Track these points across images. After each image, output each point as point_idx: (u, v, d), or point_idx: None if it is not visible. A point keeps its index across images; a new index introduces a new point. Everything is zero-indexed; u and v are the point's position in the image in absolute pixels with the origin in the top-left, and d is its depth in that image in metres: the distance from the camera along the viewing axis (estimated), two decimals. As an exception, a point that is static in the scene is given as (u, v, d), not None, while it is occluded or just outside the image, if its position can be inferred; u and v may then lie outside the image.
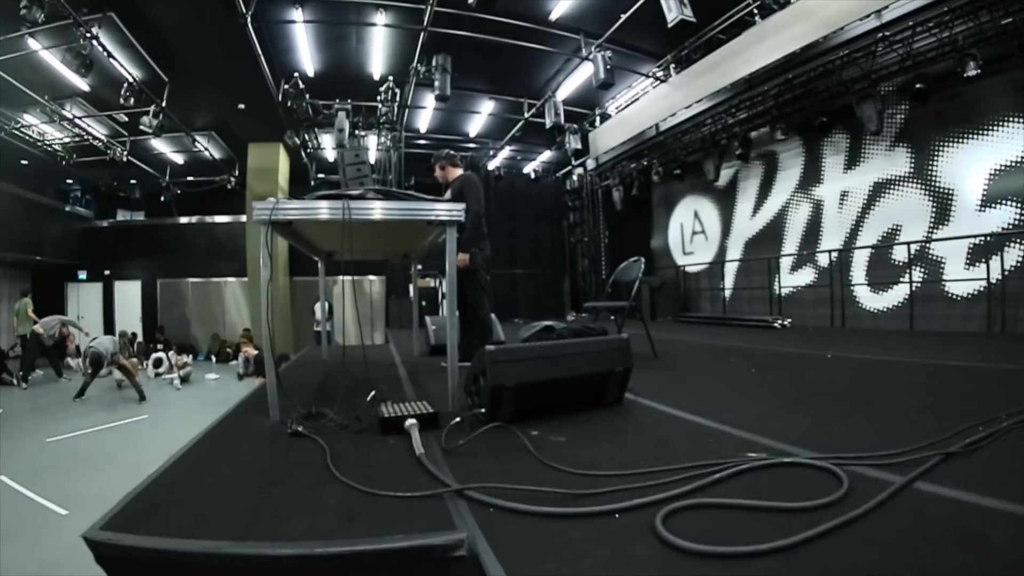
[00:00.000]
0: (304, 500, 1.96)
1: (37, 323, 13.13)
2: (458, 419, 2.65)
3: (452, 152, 5.37)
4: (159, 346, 15.31)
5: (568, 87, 12.04)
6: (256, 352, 12.94)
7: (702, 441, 2.48)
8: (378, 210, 3.13)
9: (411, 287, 7.76)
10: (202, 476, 2.33)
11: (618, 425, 2.86)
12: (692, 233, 14.00)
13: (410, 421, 2.60)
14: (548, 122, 11.85)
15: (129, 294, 18.89)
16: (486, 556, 1.46)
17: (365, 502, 1.89)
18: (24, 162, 15.21)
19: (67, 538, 4.90)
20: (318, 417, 3.00)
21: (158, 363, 14.13)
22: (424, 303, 6.08)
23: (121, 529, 1.73)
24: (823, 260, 10.45)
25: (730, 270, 12.70)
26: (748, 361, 5.33)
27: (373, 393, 3.07)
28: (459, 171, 5.23)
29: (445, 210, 3.20)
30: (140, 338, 17.42)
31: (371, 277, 17.14)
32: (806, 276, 10.89)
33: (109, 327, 17.38)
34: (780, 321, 9.30)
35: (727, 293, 12.68)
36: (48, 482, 6.36)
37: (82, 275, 19.03)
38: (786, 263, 11.25)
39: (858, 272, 9.87)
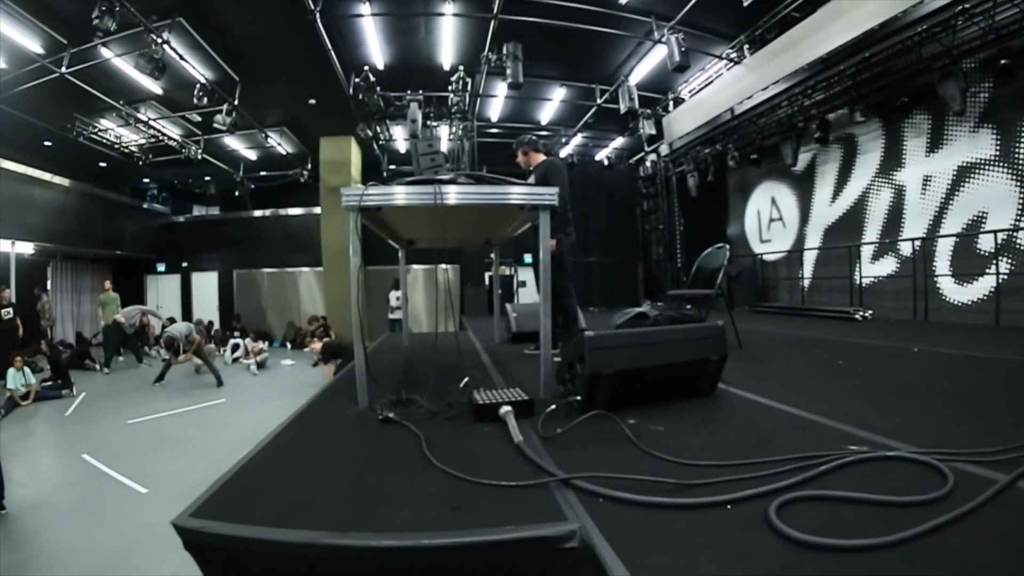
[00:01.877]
0: (403, 489, 1.89)
1: (119, 313, 13.67)
2: (553, 407, 2.56)
3: (535, 137, 5.23)
4: (236, 333, 15.69)
5: (640, 71, 11.77)
6: (321, 343, 13.16)
7: (800, 433, 2.38)
8: (471, 194, 3.06)
9: (492, 274, 7.69)
10: (293, 463, 2.30)
11: (715, 415, 2.76)
12: (769, 220, 13.47)
13: (505, 408, 2.53)
14: (622, 107, 11.57)
15: (206, 285, 19.56)
16: (602, 548, 1.39)
17: (467, 491, 1.82)
18: (102, 164, 16.09)
19: (147, 515, 5.10)
20: (408, 404, 2.94)
21: (235, 349, 14.56)
22: (500, 291, 6.03)
23: (212, 516, 1.69)
24: (905, 249, 9.89)
25: (809, 259, 12.17)
26: (831, 353, 5.14)
27: (467, 380, 3.01)
28: (542, 156, 5.11)
29: (538, 194, 3.12)
30: (217, 326, 17.90)
31: (443, 265, 17.06)
32: (887, 266, 10.33)
33: (187, 316, 17.98)
34: (861, 313, 8.88)
35: (806, 283, 12.18)
36: (129, 462, 6.55)
37: (160, 267, 19.93)
38: (867, 252, 10.70)
39: (942, 262, 9.29)
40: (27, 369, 10.04)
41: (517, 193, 3.11)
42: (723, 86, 11.87)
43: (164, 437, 7.80)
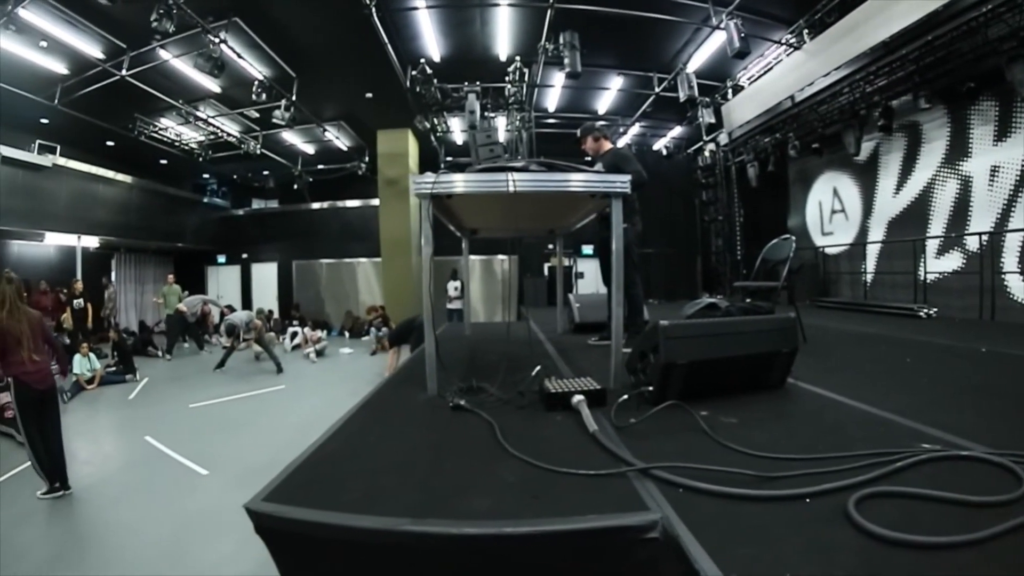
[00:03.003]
0: (481, 476, 1.88)
1: (182, 302, 14.13)
2: (625, 396, 2.54)
3: (604, 124, 5.14)
4: (295, 322, 15.94)
5: (698, 59, 11.51)
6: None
7: (871, 429, 2.32)
8: (543, 181, 3.01)
9: (556, 265, 7.63)
10: (365, 449, 2.29)
11: (785, 409, 2.71)
12: (831, 212, 13.04)
13: (578, 397, 2.49)
14: (681, 95, 11.35)
15: (266, 275, 20.03)
16: (686, 539, 1.37)
17: (545, 480, 1.80)
18: (163, 161, 16.80)
19: (207, 496, 5.18)
20: (477, 392, 2.94)
21: (294, 337, 14.79)
22: (563, 281, 6.06)
23: (284, 501, 1.69)
24: (972, 244, 9.40)
25: (872, 252, 11.76)
26: (896, 350, 5.00)
27: (539, 368, 2.98)
28: (609, 145, 5.04)
29: (611, 181, 3.04)
30: (276, 315, 18.30)
31: (501, 256, 17.19)
32: (953, 261, 9.85)
33: (247, 305, 18.39)
34: (925, 310, 8.51)
35: (868, 277, 11.76)
36: (190, 444, 6.68)
37: (221, 259, 20.54)
38: (931, 246, 10.23)
39: (1010, 259, 8.81)
40: (92, 355, 10.42)
41: (591, 180, 3.06)
42: (783, 73, 11.55)
43: (225, 421, 7.94)
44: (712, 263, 16.28)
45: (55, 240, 14.78)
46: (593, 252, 15.24)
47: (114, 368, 11.05)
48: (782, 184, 14.36)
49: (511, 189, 2.85)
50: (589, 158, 5.15)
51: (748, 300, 5.38)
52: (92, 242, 15.74)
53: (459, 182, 2.97)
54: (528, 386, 2.86)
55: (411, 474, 1.93)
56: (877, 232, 11.52)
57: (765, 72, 12.24)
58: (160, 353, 13.82)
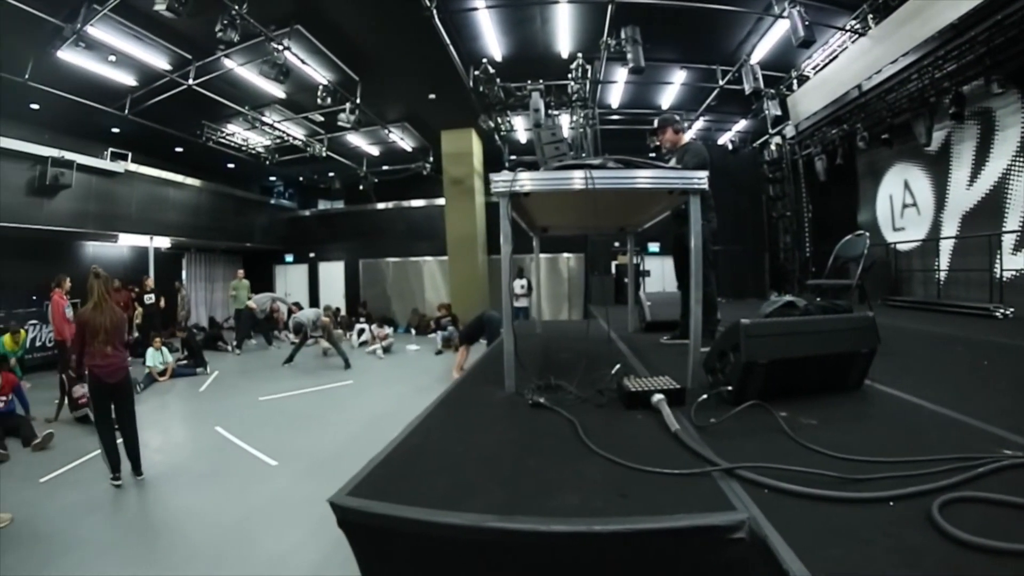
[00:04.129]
0: (566, 474, 1.88)
1: (251, 299, 14.61)
2: (705, 396, 2.51)
3: (679, 116, 5.05)
4: (362, 319, 16.22)
5: (762, 49, 11.20)
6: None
7: (951, 433, 2.26)
8: (623, 178, 3.00)
9: (627, 263, 7.54)
10: (447, 445, 2.31)
11: (864, 410, 2.64)
12: (902, 206, 12.42)
13: (658, 396, 2.48)
14: (747, 88, 11.10)
15: (333, 273, 20.43)
16: (775, 539, 1.36)
17: (630, 478, 1.81)
18: (231, 165, 17.41)
19: (275, 486, 5.29)
20: (555, 389, 2.92)
21: (360, 334, 15.05)
22: (626, 279, 5.96)
23: (368, 496, 1.70)
24: (1051, 238, 8.90)
25: (945, 248, 11.19)
26: (973, 352, 4.79)
27: (618, 367, 2.97)
28: (685, 138, 4.97)
29: (689, 177, 3.00)
30: (343, 312, 18.64)
31: (566, 254, 17.20)
32: (1032, 257, 9.34)
33: (314, 303, 18.90)
34: (1002, 310, 8.08)
35: (941, 275, 11.24)
36: (259, 435, 6.83)
37: (289, 258, 21.12)
38: (1008, 241, 9.66)
39: None
40: (164, 349, 10.83)
41: (669, 177, 3.02)
42: (849, 61, 11.07)
43: (293, 414, 8.10)
44: (780, 260, 15.76)
45: (128, 241, 15.46)
46: (659, 250, 15.11)
47: (185, 362, 11.47)
48: (851, 177, 13.79)
49: (590, 186, 2.83)
50: (653, 153, 5.07)
51: (819, 299, 5.24)
52: (164, 242, 16.45)
53: (537, 180, 2.98)
54: (606, 385, 2.85)
55: (495, 471, 1.94)
56: (950, 227, 10.95)
57: (830, 61, 11.76)
58: (229, 348, 14.28)
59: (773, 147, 15.16)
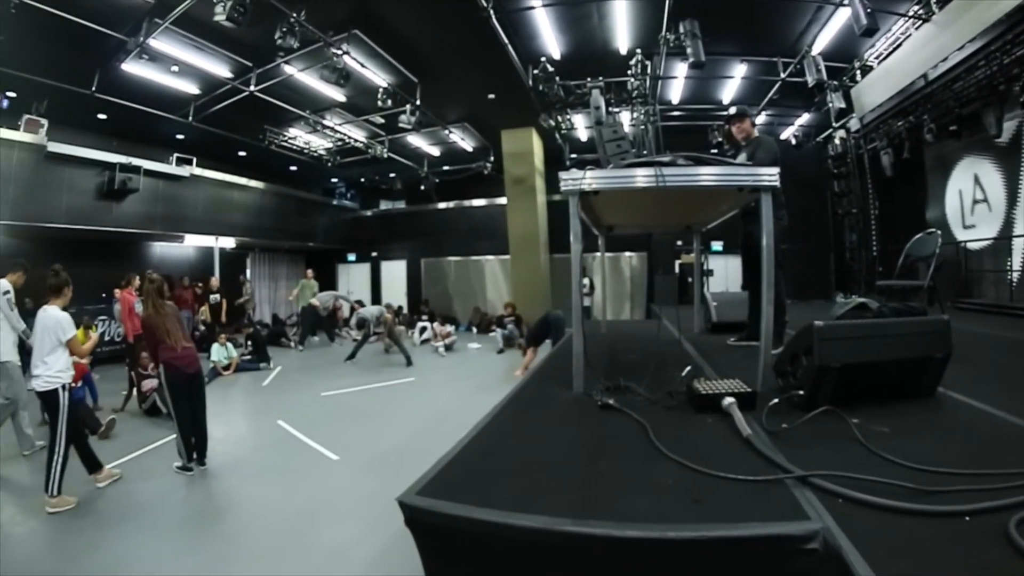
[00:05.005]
0: (638, 478, 1.88)
1: (315, 297, 14.89)
2: (776, 400, 2.47)
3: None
4: (424, 317, 16.37)
5: (823, 39, 10.84)
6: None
7: None
8: (694, 176, 2.95)
9: (689, 261, 7.40)
10: (517, 445, 2.33)
11: (937, 419, 2.57)
12: (973, 202, 11.71)
13: (728, 400, 2.45)
14: (810, 80, 10.74)
15: (395, 272, 20.69)
16: (849, 551, 1.33)
17: (703, 483, 1.79)
18: (293, 168, 17.91)
19: (335, 480, 5.35)
20: (624, 391, 2.91)
21: (422, 331, 15.16)
22: (690, 279, 5.81)
23: (437, 495, 1.71)
24: None
25: (1018, 248, 10.54)
26: None
27: (689, 369, 2.94)
28: (756, 132, 4.84)
29: (760, 174, 2.94)
30: (405, 310, 18.83)
31: (628, 253, 17.05)
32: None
33: (376, 301, 19.13)
34: (1078, 314, 7.65)
35: (1014, 276, 10.64)
36: (321, 430, 6.90)
37: (351, 257, 21.47)
38: None
39: None
40: (229, 344, 11.14)
41: (740, 174, 2.98)
42: (913, 48, 10.53)
43: (355, 410, 8.16)
44: (846, 260, 15.17)
45: (194, 241, 16.06)
46: (722, 248, 14.83)
47: (249, 356, 11.75)
48: (918, 172, 13.17)
49: (659, 184, 2.80)
50: (715, 149, 4.95)
51: (887, 301, 5.06)
52: (229, 243, 16.96)
53: (606, 178, 2.95)
54: (675, 387, 2.82)
55: (566, 473, 1.94)
56: (1024, 224, 10.45)
57: (894, 49, 11.23)
58: (292, 344, 14.60)
59: (837, 141, 14.56)
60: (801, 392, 2.53)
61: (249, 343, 12.22)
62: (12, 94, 11.40)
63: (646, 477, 1.85)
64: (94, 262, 12.31)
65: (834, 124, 13.84)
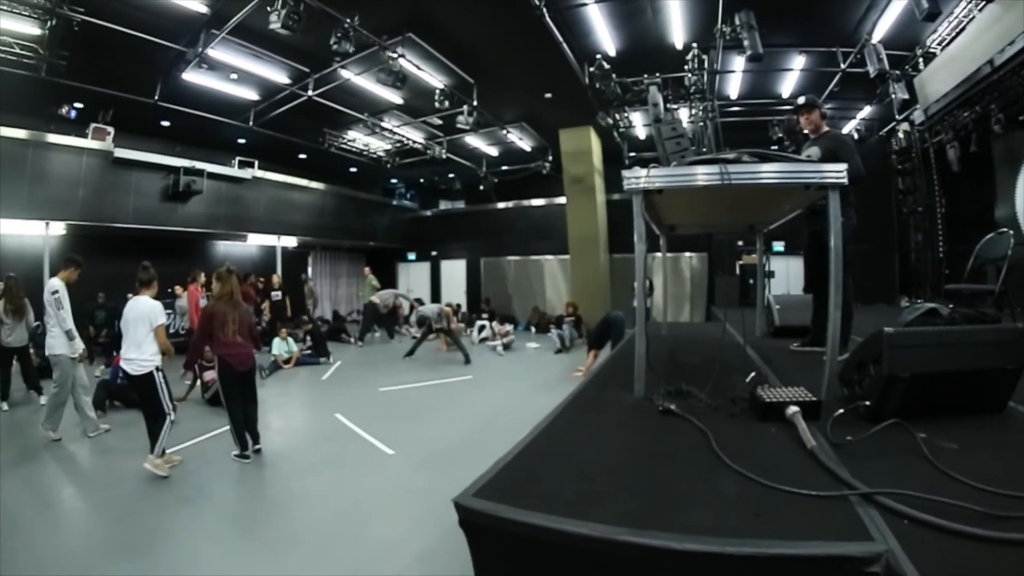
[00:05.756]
0: (699, 488, 1.84)
1: (376, 295, 15.22)
2: (841, 411, 2.39)
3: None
4: (483, 315, 16.46)
5: (883, 26, 10.32)
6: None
7: None
8: (760, 173, 2.85)
9: (752, 263, 7.19)
10: (576, 449, 2.30)
11: (1008, 437, 2.42)
12: None
13: (793, 409, 2.37)
14: (871, 70, 10.29)
15: (454, 271, 20.88)
16: None
17: (765, 496, 1.74)
18: (353, 169, 18.35)
19: (389, 475, 5.40)
20: (686, 396, 2.86)
21: (481, 330, 15.20)
22: (751, 281, 5.62)
23: (493, 498, 1.70)
24: None
25: None
26: None
27: (753, 375, 2.88)
28: (827, 127, 4.65)
29: (828, 172, 2.82)
30: (464, 308, 19.00)
31: (688, 253, 16.82)
32: None
33: (435, 299, 19.40)
34: None
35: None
36: (377, 424, 6.95)
37: (411, 256, 21.88)
38: None
39: None
40: (290, 339, 11.46)
41: (808, 171, 2.86)
42: (977, 32, 9.78)
43: (412, 406, 8.22)
44: (912, 261, 14.44)
45: (257, 240, 16.76)
46: (784, 249, 14.41)
47: (309, 351, 12.02)
48: (987, 167, 12.50)
49: (725, 182, 2.74)
50: (776, 146, 4.77)
51: (951, 306, 4.81)
52: (290, 242, 17.52)
53: (670, 176, 2.89)
54: (739, 393, 2.76)
55: (625, 480, 1.92)
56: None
57: (957, 34, 10.43)
58: (352, 340, 14.82)
59: (901, 135, 13.88)
60: (867, 403, 2.43)
61: (308, 338, 12.47)
62: (79, 105, 12.17)
63: (707, 487, 1.81)
64: (160, 259, 12.80)
65: (897, 117, 13.15)
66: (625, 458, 2.14)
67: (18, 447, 6.08)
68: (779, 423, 2.38)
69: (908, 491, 1.66)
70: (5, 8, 8.13)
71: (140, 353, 5.24)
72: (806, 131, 4.64)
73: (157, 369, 5.33)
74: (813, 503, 1.67)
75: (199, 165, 13.62)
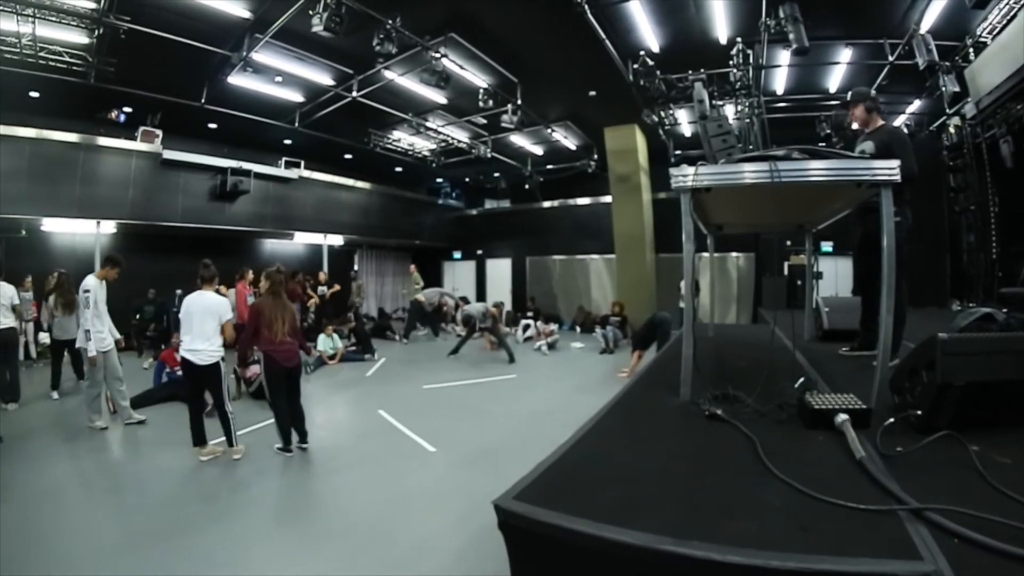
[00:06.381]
0: (744, 497, 1.81)
1: (421, 293, 15.37)
2: (891, 420, 2.29)
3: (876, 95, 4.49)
4: (529, 314, 16.45)
5: (931, 15, 9.93)
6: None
7: None
8: (810, 170, 2.78)
9: (800, 263, 6.97)
10: (619, 453, 2.28)
11: None
12: None
13: (842, 417, 2.31)
14: (920, 62, 9.97)
15: (500, 270, 20.96)
16: None
17: (810, 508, 1.69)
18: (398, 169, 18.62)
19: (430, 472, 5.41)
20: (732, 400, 2.80)
21: (526, 329, 15.27)
22: (799, 282, 5.45)
23: (534, 501, 1.69)
24: None
25: None
26: None
27: (802, 380, 2.79)
28: (882, 120, 4.42)
29: (880, 168, 2.72)
30: (509, 307, 18.87)
31: (735, 253, 16.50)
32: None
33: (481, 298, 19.57)
34: None
35: None
36: (420, 422, 6.96)
37: (456, 255, 22.01)
38: None
39: None
40: (335, 335, 11.60)
41: (859, 168, 2.77)
42: None
43: (455, 404, 8.24)
44: (963, 263, 13.70)
45: (303, 239, 17.15)
46: (832, 249, 14.04)
47: (354, 348, 12.18)
48: None
49: (775, 180, 2.68)
50: (823, 142, 4.60)
51: (1006, 311, 4.60)
52: (337, 240, 17.78)
53: (718, 174, 2.85)
54: (787, 399, 2.69)
55: (669, 486, 1.89)
56: None
57: (1009, 21, 9.88)
58: (397, 337, 15.00)
59: (952, 129, 13.21)
60: (918, 412, 2.34)
61: (353, 335, 12.63)
62: (128, 109, 12.63)
63: (752, 497, 1.78)
64: (209, 257, 13.22)
65: (948, 110, 12.55)
66: (670, 464, 2.12)
67: (65, 434, 6.37)
68: (827, 431, 2.32)
69: (959, 508, 1.59)
70: (53, 19, 8.49)
71: (209, 344, 5.50)
72: (854, 126, 4.48)
73: (222, 360, 5.62)
74: (861, 517, 1.62)
75: (246, 165, 14.01)
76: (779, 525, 1.59)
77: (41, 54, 9.34)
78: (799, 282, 5.37)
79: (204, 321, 5.50)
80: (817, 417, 2.39)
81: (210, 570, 3.48)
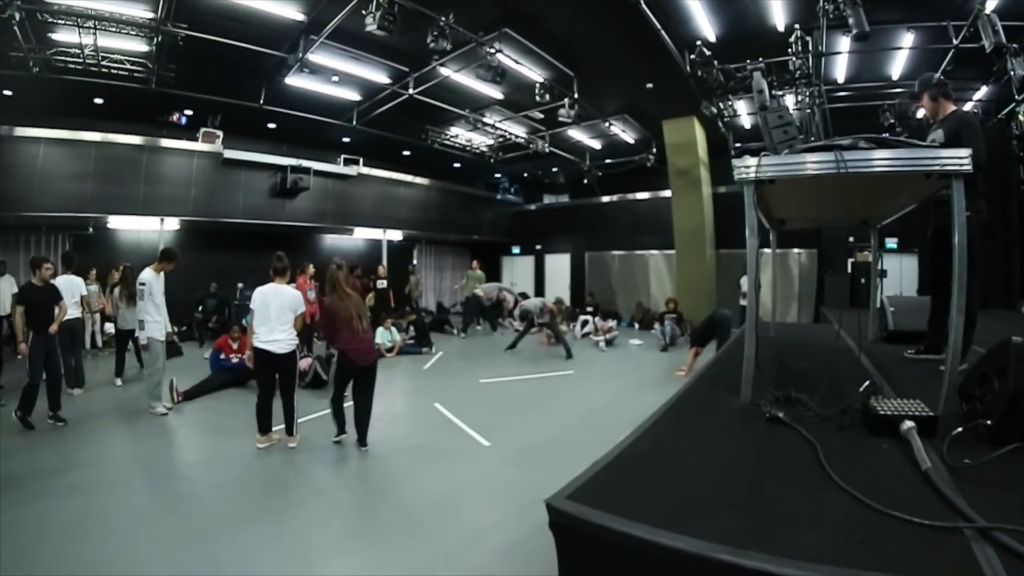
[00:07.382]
0: (803, 506, 1.75)
1: (479, 288, 15.53)
2: (959, 429, 2.19)
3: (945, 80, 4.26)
4: (588, 309, 16.42)
5: None
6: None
7: None
8: (877, 160, 2.68)
9: (865, 260, 6.69)
10: (676, 456, 2.25)
11: None
12: None
13: (908, 424, 2.21)
14: (987, 44, 9.21)
15: (559, 265, 20.85)
16: None
17: (871, 521, 1.63)
18: (456, 165, 18.88)
19: (484, 467, 5.43)
20: (794, 403, 2.73)
21: (583, 325, 15.23)
22: (863, 280, 5.24)
23: (587, 502, 1.67)
24: None
25: None
26: None
27: (867, 384, 2.73)
28: (952, 106, 4.15)
29: (948, 158, 2.60)
30: (567, 303, 18.69)
31: (797, 250, 15.98)
32: None
33: (539, 293, 19.45)
34: None
35: None
36: (476, 416, 7.00)
37: (515, 250, 22.09)
38: None
39: None
40: (393, 328, 11.81)
41: (928, 158, 2.65)
42: None
43: (511, 399, 8.25)
44: None
45: (363, 234, 17.53)
46: (897, 246, 13.45)
47: (412, 341, 12.39)
48: None
49: (841, 170, 2.60)
50: (887, 132, 4.38)
51: None
52: (396, 235, 18.02)
53: (782, 165, 2.80)
54: (850, 403, 2.60)
55: (727, 492, 1.85)
56: None
57: None
58: (455, 331, 15.12)
59: (1022, 117, 12.49)
60: (988, 421, 2.22)
61: (411, 328, 12.84)
62: (189, 112, 13.33)
63: (812, 506, 1.72)
64: (269, 252, 13.65)
65: (1017, 96, 11.92)
66: (728, 468, 2.07)
67: (128, 419, 6.68)
68: (892, 439, 2.24)
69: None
70: (113, 30, 8.90)
71: (288, 335, 5.74)
72: (919, 115, 4.28)
73: (297, 349, 5.89)
74: (924, 533, 1.55)
75: (305, 163, 14.34)
76: (838, 537, 1.54)
77: (103, 63, 9.83)
78: (863, 280, 5.14)
79: (281, 313, 5.73)
80: (882, 423, 2.30)
81: (281, 559, 3.59)
